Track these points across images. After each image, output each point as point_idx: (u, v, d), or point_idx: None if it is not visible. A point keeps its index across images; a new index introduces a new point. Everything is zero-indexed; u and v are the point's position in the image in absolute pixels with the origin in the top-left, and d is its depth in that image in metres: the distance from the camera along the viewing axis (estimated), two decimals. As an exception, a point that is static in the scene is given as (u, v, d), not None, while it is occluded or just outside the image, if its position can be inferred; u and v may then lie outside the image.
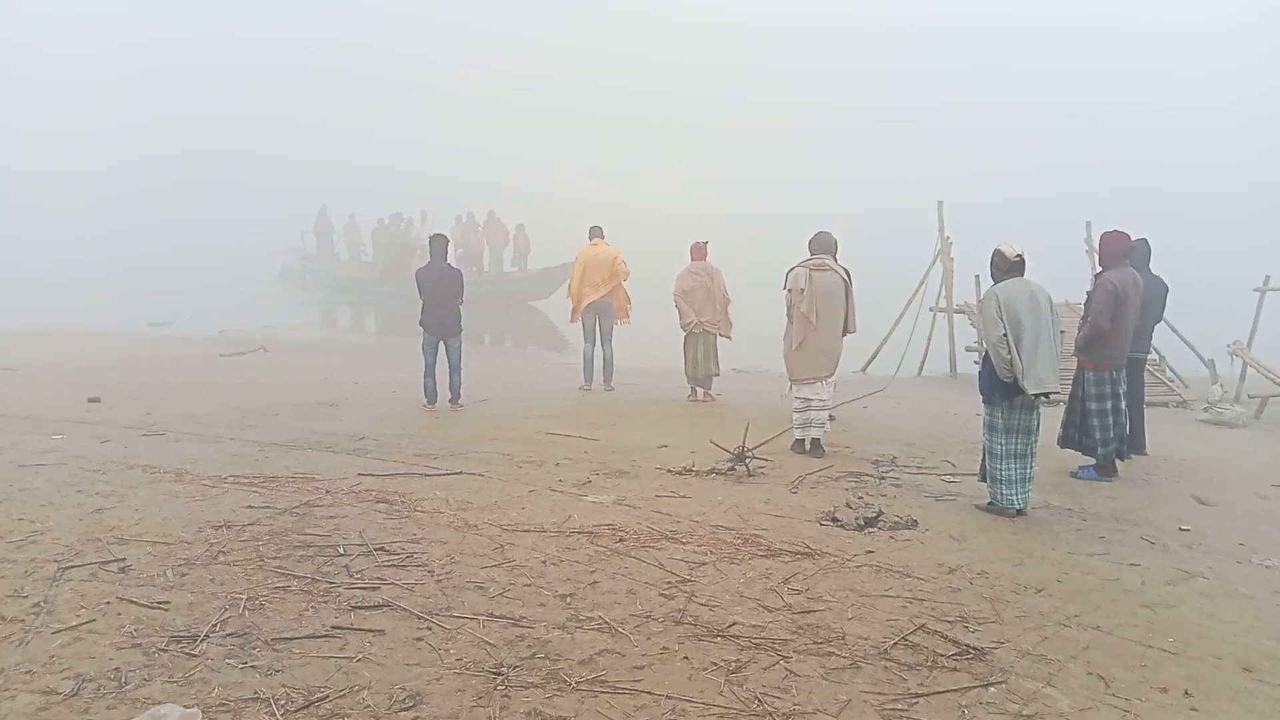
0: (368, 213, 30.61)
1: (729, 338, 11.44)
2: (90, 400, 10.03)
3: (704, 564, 5.09)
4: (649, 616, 4.34)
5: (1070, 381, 7.93)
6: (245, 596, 4.34)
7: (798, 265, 8.37)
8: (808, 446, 8.42)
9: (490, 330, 24.16)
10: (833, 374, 8.40)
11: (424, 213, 28.74)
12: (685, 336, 11.29)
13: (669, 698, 3.54)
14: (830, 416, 10.19)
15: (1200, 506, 7.04)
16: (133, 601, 4.25)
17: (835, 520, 6.07)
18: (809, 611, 4.47)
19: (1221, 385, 12.41)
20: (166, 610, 4.17)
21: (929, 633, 4.25)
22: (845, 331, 8.48)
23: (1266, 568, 5.59)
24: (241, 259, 33.69)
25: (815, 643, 4.10)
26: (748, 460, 7.49)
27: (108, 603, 4.23)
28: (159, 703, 3.28)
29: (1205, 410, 11.41)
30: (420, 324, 10.52)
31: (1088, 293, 7.94)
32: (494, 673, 3.68)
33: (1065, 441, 7.85)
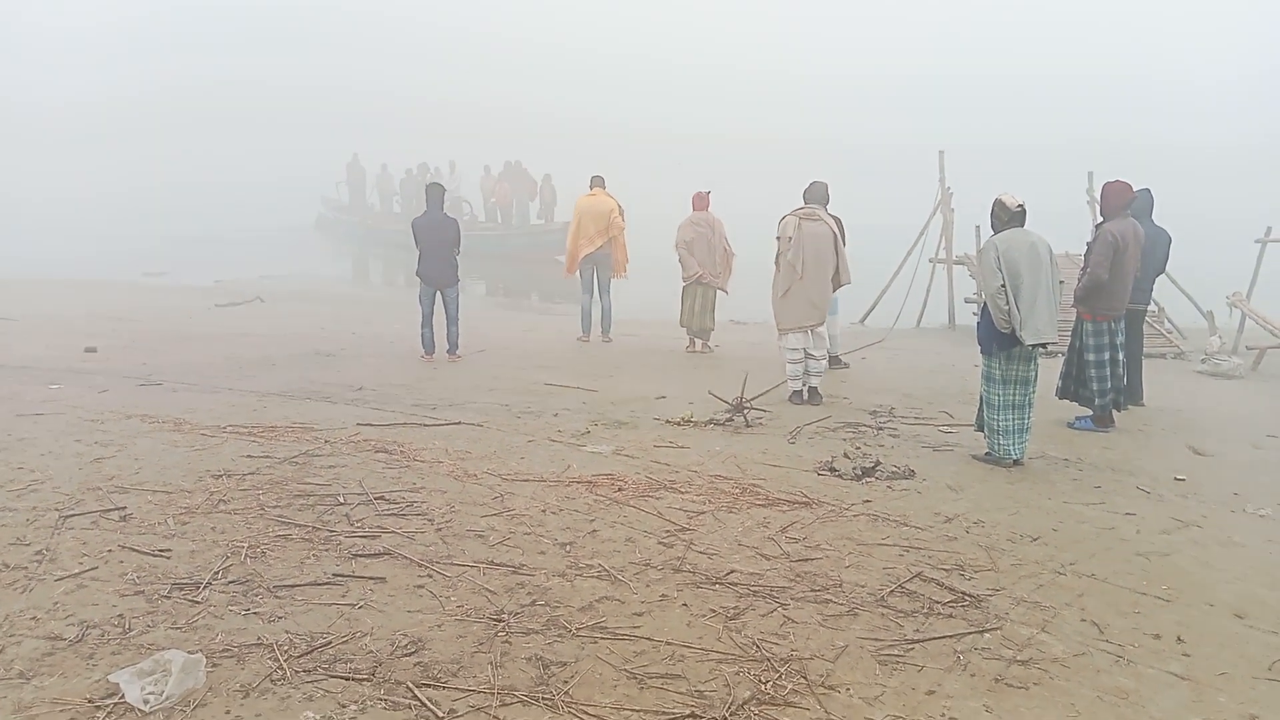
0: (399, 163, 29.89)
1: (725, 290, 11.39)
2: (87, 350, 10.00)
3: (702, 513, 5.12)
4: (648, 564, 4.37)
5: (1069, 333, 7.93)
6: (246, 545, 4.37)
7: (789, 214, 8.38)
8: (805, 396, 8.44)
9: (514, 285, 23.58)
10: (821, 323, 8.40)
11: (452, 162, 27.65)
12: (684, 287, 11.25)
13: (668, 643, 3.58)
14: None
15: (1196, 456, 7.07)
16: (135, 549, 4.28)
17: (833, 470, 6.10)
18: (807, 559, 4.50)
19: (1220, 337, 12.41)
20: (168, 558, 4.20)
21: (925, 580, 4.29)
22: (838, 284, 8.49)
23: (1260, 516, 5.63)
24: (269, 208, 33.07)
25: (813, 590, 4.14)
26: (746, 411, 7.50)
27: (110, 550, 4.26)
28: (163, 648, 3.31)
29: (1203, 361, 11.42)
30: (417, 274, 10.47)
31: (1088, 243, 7.90)
32: (495, 619, 3.72)
33: (1063, 392, 7.87)
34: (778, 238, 8.38)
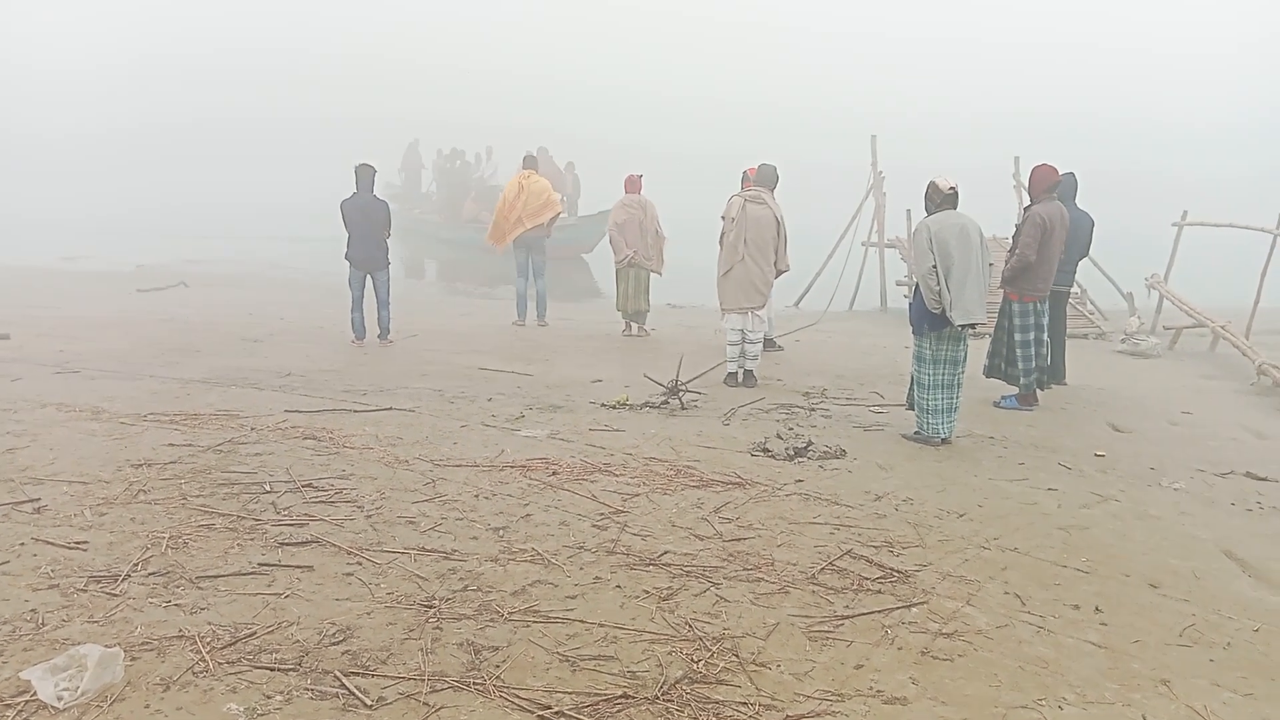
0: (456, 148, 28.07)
1: (659, 273, 11.38)
2: (-1, 337, 9.60)
3: (637, 495, 5.12)
4: (582, 547, 4.36)
5: (997, 313, 8.10)
6: (167, 535, 4.24)
7: (736, 194, 8.48)
8: (740, 379, 8.50)
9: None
10: (762, 307, 8.47)
11: (489, 148, 25.20)
12: (617, 270, 11.22)
13: (601, 625, 3.58)
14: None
15: (1115, 433, 7.30)
16: (49, 542, 4.12)
17: (766, 450, 6.15)
18: (739, 539, 4.53)
19: (1139, 317, 12.82)
20: (85, 550, 4.06)
21: (855, 558, 4.36)
22: (777, 270, 8.56)
23: (1175, 490, 5.84)
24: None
25: (745, 569, 4.17)
26: (681, 394, 7.52)
27: (22, 544, 4.10)
28: (79, 643, 3.20)
29: (1123, 341, 11.79)
30: (346, 258, 10.28)
31: (1017, 225, 8.08)
32: (426, 606, 3.67)
33: (991, 371, 8.05)
34: (722, 217, 8.45)
